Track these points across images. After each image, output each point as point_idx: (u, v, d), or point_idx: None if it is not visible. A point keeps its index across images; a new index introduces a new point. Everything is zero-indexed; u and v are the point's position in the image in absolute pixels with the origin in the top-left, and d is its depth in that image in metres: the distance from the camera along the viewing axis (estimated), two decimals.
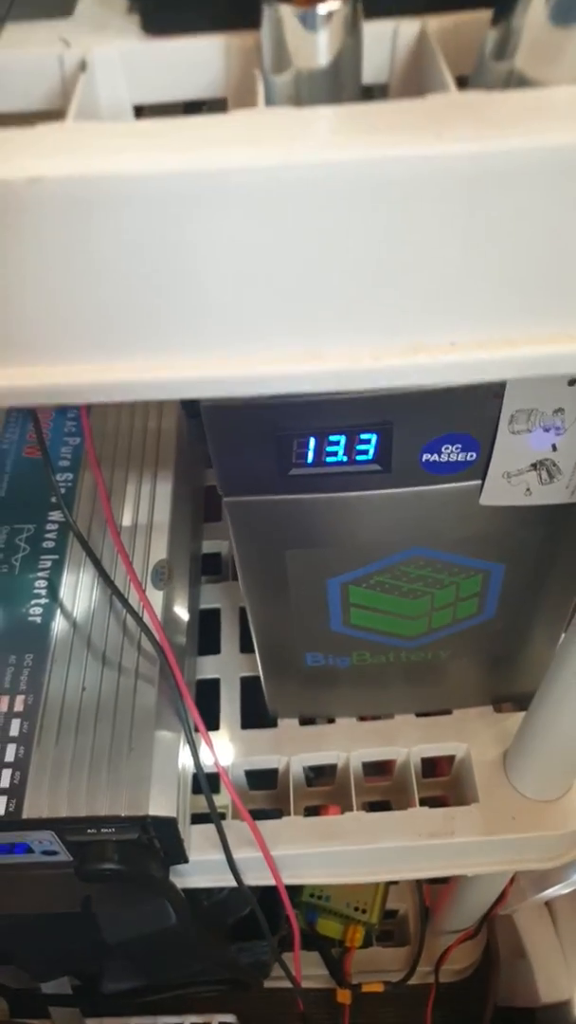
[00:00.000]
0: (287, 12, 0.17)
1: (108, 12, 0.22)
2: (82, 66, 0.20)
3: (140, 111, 0.22)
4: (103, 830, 0.43)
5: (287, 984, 0.66)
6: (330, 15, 0.17)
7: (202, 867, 0.49)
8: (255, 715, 0.54)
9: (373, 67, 0.21)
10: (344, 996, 0.82)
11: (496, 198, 0.15)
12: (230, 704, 0.55)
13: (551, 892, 0.63)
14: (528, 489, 0.34)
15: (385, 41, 0.20)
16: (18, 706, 0.45)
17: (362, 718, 0.54)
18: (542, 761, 0.47)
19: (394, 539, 0.37)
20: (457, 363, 0.17)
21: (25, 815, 0.42)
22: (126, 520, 0.53)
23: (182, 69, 0.21)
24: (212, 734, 0.53)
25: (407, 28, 0.20)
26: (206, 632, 0.58)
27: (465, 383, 0.18)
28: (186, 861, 0.47)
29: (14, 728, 0.44)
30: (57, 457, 0.56)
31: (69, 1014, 0.72)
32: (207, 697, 0.55)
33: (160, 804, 0.42)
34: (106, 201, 0.16)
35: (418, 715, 0.53)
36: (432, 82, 0.19)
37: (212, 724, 0.54)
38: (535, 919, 0.75)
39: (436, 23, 0.20)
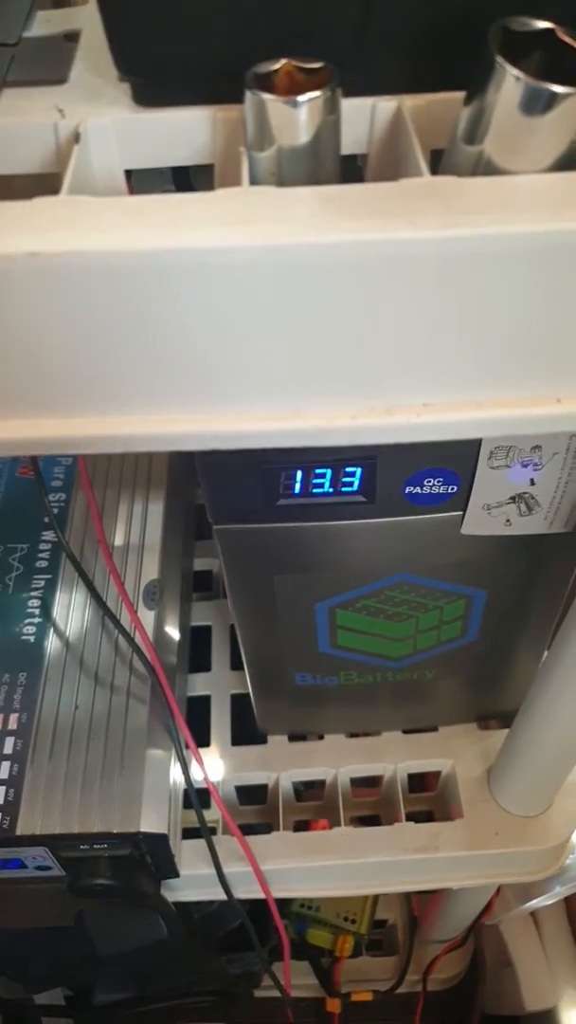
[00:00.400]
0: (269, 99, 0.18)
1: (100, 81, 0.23)
2: (76, 137, 0.22)
3: (131, 173, 0.24)
4: (96, 846, 0.44)
5: (277, 994, 0.67)
6: (312, 96, 0.18)
7: (193, 881, 0.50)
8: (245, 732, 0.55)
9: (353, 139, 0.22)
10: (333, 1005, 0.83)
11: (463, 279, 0.16)
12: (220, 721, 0.56)
13: (535, 903, 0.65)
14: (508, 520, 0.36)
15: (364, 116, 0.22)
16: (12, 724, 0.46)
17: (350, 735, 0.55)
18: (524, 778, 0.48)
19: (379, 565, 0.39)
20: (429, 424, 0.18)
21: (19, 832, 0.42)
22: (118, 540, 0.54)
23: (171, 138, 0.22)
24: (203, 751, 0.54)
25: (384, 105, 0.22)
26: (197, 649, 0.59)
27: (435, 440, 0.19)
28: (177, 875, 0.48)
29: (8, 746, 0.45)
30: (50, 477, 0.57)
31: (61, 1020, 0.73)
32: (198, 714, 0.56)
33: (151, 821, 0.43)
34: (98, 275, 0.18)
35: (405, 732, 0.55)
36: (407, 159, 0.20)
37: (203, 740, 0.55)
38: (520, 929, 0.76)
39: (411, 102, 0.22)
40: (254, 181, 0.20)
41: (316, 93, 0.18)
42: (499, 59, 0.18)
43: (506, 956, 0.77)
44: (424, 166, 0.19)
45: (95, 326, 0.18)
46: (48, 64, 0.24)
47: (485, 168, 0.19)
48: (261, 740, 0.55)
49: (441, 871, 0.51)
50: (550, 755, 0.46)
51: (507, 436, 0.19)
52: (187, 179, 0.36)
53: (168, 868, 0.47)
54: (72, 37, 0.25)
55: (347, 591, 0.40)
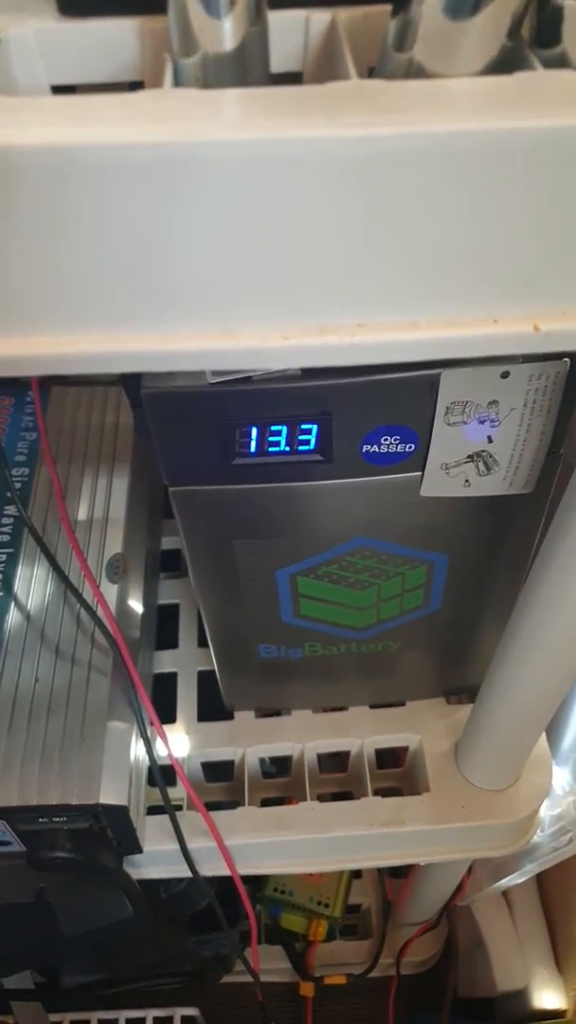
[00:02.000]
0: (190, 2, 0.18)
1: None
2: None
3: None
4: (55, 819, 0.43)
5: (249, 977, 0.66)
6: (233, 3, 0.18)
7: (157, 857, 0.50)
8: (212, 709, 0.55)
9: (287, 55, 0.21)
10: (307, 989, 0.83)
11: (388, 184, 0.16)
12: (187, 697, 0.55)
13: (506, 882, 0.65)
14: (467, 480, 0.35)
15: (298, 30, 0.21)
16: None
17: (317, 710, 0.54)
18: (489, 751, 0.48)
19: (339, 529, 0.38)
20: (363, 345, 0.18)
21: None
22: (82, 514, 0.53)
23: (97, 51, 0.21)
24: (169, 727, 0.53)
25: (318, 18, 0.21)
26: (165, 627, 0.59)
27: (371, 363, 0.19)
28: (140, 851, 0.48)
29: None
30: (13, 452, 0.57)
31: (31, 1008, 0.72)
32: (165, 691, 0.55)
33: (111, 792, 0.43)
34: (12, 172, 0.17)
35: (372, 707, 0.54)
36: (339, 72, 0.20)
37: (169, 717, 0.54)
38: (493, 910, 0.76)
39: (346, 15, 0.21)
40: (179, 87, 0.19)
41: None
42: None
43: (479, 937, 0.77)
44: (353, 71, 0.18)
45: (4, 232, 0.18)
46: None
47: (416, 74, 0.18)
48: (228, 716, 0.55)
49: (408, 846, 0.51)
50: (514, 727, 0.45)
51: (443, 358, 0.18)
52: None
53: (131, 843, 0.47)
54: None
55: (307, 557, 0.39)
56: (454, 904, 0.73)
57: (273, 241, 0.17)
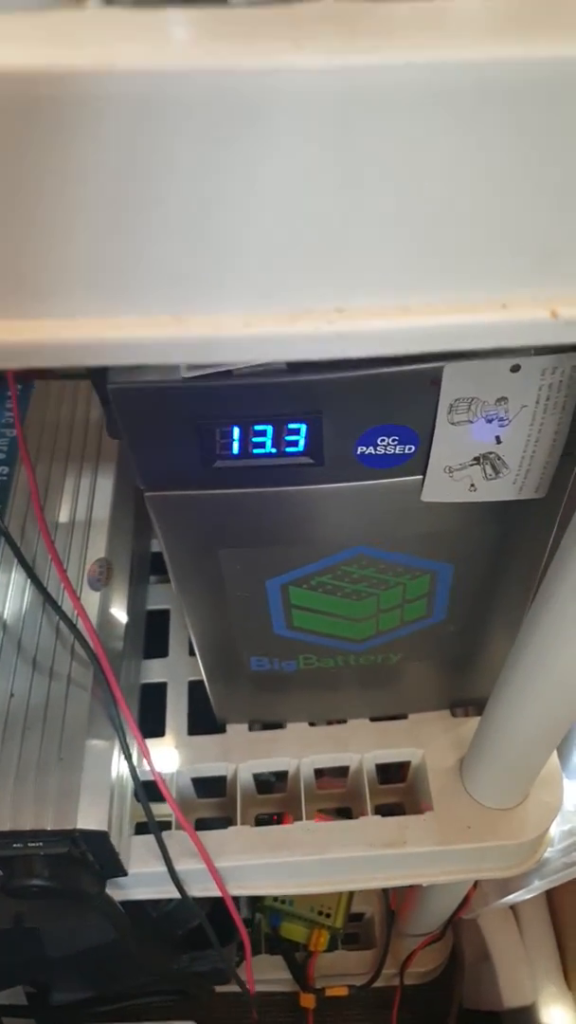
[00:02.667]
0: None
1: None
2: None
3: None
4: (30, 844, 0.40)
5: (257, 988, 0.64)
6: None
7: (144, 879, 0.47)
8: (204, 720, 0.52)
9: None
10: (307, 1000, 0.80)
11: (372, 126, 0.13)
12: (176, 709, 0.52)
13: (514, 898, 0.62)
14: (472, 485, 0.32)
15: None
16: None
17: (314, 723, 0.51)
18: (497, 768, 0.45)
19: (333, 537, 0.35)
20: (343, 334, 0.15)
21: None
22: (63, 516, 0.50)
23: None
24: (157, 740, 0.50)
25: None
26: (155, 634, 0.56)
27: (352, 356, 0.15)
28: (124, 874, 0.45)
29: None
30: None
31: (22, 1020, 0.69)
32: (154, 702, 0.53)
33: (90, 816, 0.40)
34: None
35: (372, 719, 0.51)
36: None
37: (158, 730, 0.51)
38: (500, 923, 0.73)
39: None
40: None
41: None
42: None
43: (485, 950, 0.74)
44: None
45: None
46: None
47: None
48: (220, 730, 0.52)
49: (410, 866, 0.48)
50: (523, 744, 0.42)
51: (438, 351, 0.15)
52: None
53: (113, 866, 0.44)
54: None
55: (299, 566, 0.36)
56: (459, 917, 0.71)
57: (225, 200, 0.13)
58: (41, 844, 0.40)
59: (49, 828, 0.39)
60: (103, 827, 0.40)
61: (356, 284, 0.15)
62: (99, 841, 0.40)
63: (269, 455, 0.30)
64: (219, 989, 0.70)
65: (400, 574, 0.37)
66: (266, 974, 0.82)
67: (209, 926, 0.52)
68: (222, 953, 0.57)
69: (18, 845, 0.40)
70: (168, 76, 0.12)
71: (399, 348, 0.15)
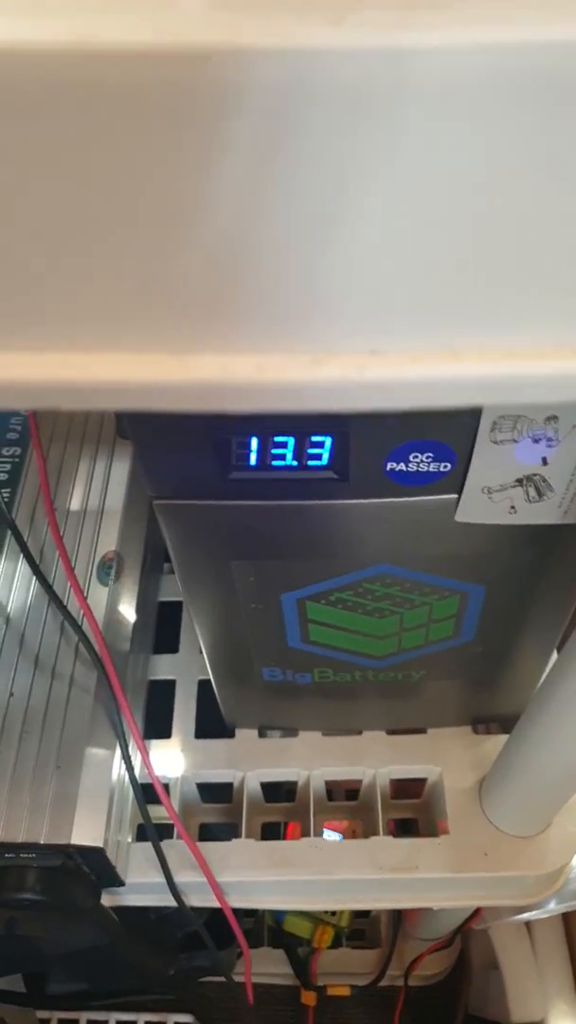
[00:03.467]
0: None
1: None
2: None
3: None
4: (23, 855, 0.38)
5: (255, 979, 0.62)
6: None
7: (141, 888, 0.45)
8: (213, 721, 0.50)
9: None
10: (309, 998, 0.79)
11: (421, 129, 0.10)
12: (185, 710, 0.50)
13: (527, 916, 0.59)
14: (513, 507, 0.29)
15: None
16: None
17: (327, 733, 0.49)
18: (521, 795, 0.42)
19: (356, 555, 0.32)
20: (376, 383, 0.12)
21: None
22: (75, 504, 0.47)
23: None
24: (163, 742, 0.48)
25: None
26: (166, 627, 0.53)
27: (388, 409, 0.13)
28: (121, 884, 0.43)
29: None
30: (5, 429, 0.51)
31: (14, 1010, 0.69)
32: (161, 700, 0.50)
33: (85, 831, 0.38)
34: None
35: (389, 732, 0.49)
36: None
37: (164, 730, 0.49)
38: (512, 935, 0.71)
39: None
40: None
41: None
42: None
43: (494, 960, 0.72)
44: None
45: None
46: None
47: None
48: (229, 733, 0.49)
49: (420, 891, 0.46)
50: (554, 772, 0.39)
51: (504, 404, 0.12)
52: None
53: (110, 878, 0.42)
54: None
55: (318, 582, 0.34)
56: (469, 927, 0.69)
57: (235, 213, 0.11)
58: (35, 855, 0.38)
59: (43, 842, 0.37)
60: (99, 843, 0.38)
61: (396, 320, 0.12)
62: (95, 856, 0.38)
63: (289, 468, 0.27)
64: (217, 980, 0.69)
65: (426, 594, 0.34)
66: (267, 967, 0.81)
67: (207, 934, 0.50)
68: (220, 958, 0.55)
69: (10, 855, 0.38)
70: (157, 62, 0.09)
71: (444, 400, 0.12)
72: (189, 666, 0.51)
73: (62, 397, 0.13)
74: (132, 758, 0.41)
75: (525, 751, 0.39)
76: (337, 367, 0.12)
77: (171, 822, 0.45)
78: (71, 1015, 0.74)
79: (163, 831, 0.44)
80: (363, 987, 0.78)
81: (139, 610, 0.46)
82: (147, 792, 0.43)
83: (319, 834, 0.47)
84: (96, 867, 0.40)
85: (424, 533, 0.31)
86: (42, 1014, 0.72)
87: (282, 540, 0.31)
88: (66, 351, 0.12)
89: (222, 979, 0.65)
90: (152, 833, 0.42)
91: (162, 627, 0.53)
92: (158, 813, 0.43)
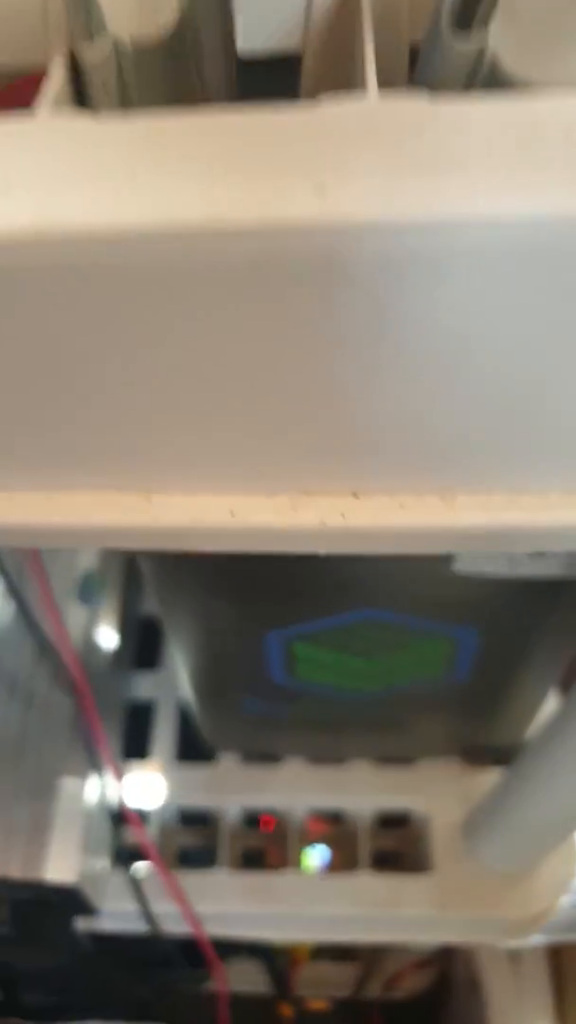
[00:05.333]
0: None
1: None
2: None
3: None
4: None
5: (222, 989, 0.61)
6: None
7: (117, 916, 0.44)
8: (194, 742, 0.48)
9: (277, 24, 0.12)
10: (287, 1010, 0.78)
11: (416, 306, 0.08)
12: (165, 731, 0.48)
13: (510, 944, 0.58)
14: (514, 559, 0.27)
15: None
16: None
17: (313, 760, 0.47)
18: (514, 835, 0.41)
19: (343, 599, 0.30)
20: (357, 531, 0.10)
21: None
22: None
23: None
24: (141, 764, 0.47)
25: None
26: (146, 641, 0.52)
27: (369, 553, 0.11)
28: (95, 912, 0.42)
29: None
30: None
31: None
32: (141, 716, 0.49)
33: (60, 867, 0.37)
34: None
35: (375, 761, 0.47)
36: (355, 63, 0.11)
37: (143, 750, 0.48)
38: (495, 954, 0.70)
39: None
40: (85, 92, 0.11)
41: None
42: None
43: (476, 975, 0.71)
44: (372, 76, 0.10)
45: None
46: None
47: (488, 77, 0.10)
48: (210, 754, 0.48)
49: (403, 929, 0.45)
50: (551, 817, 0.38)
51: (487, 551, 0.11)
52: None
53: (84, 907, 0.40)
54: None
55: (302, 623, 0.32)
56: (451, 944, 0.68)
57: (213, 362, 0.09)
58: (5, 889, 0.37)
59: (15, 876, 0.36)
60: (72, 879, 0.36)
61: (381, 460, 0.10)
62: (69, 894, 0.37)
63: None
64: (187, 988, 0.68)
65: (418, 636, 0.33)
66: (245, 977, 0.80)
67: (181, 957, 0.49)
68: (195, 975, 0.55)
69: None
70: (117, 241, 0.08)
71: (429, 548, 0.11)
72: (170, 684, 0.50)
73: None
74: (107, 788, 0.39)
75: (522, 793, 0.38)
76: (312, 510, 0.10)
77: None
78: None
79: (142, 853, 0.43)
80: (342, 1000, 0.77)
81: (120, 630, 0.44)
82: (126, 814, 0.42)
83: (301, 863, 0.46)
84: (69, 899, 0.39)
85: (415, 581, 0.29)
86: (12, 1020, 0.71)
87: (263, 582, 0.30)
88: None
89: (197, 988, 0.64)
90: (129, 871, 0.40)
91: (143, 640, 0.51)
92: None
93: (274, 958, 0.79)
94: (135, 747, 0.47)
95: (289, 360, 0.09)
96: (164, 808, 0.46)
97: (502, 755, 0.46)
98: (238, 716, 0.42)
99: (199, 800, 0.46)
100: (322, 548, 0.11)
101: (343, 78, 0.12)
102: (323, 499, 0.11)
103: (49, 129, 0.09)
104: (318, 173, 0.08)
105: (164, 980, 0.58)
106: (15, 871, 0.36)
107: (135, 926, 0.45)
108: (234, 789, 0.46)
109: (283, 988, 0.78)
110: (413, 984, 0.80)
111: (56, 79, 0.11)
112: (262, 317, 0.09)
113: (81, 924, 0.43)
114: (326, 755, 0.47)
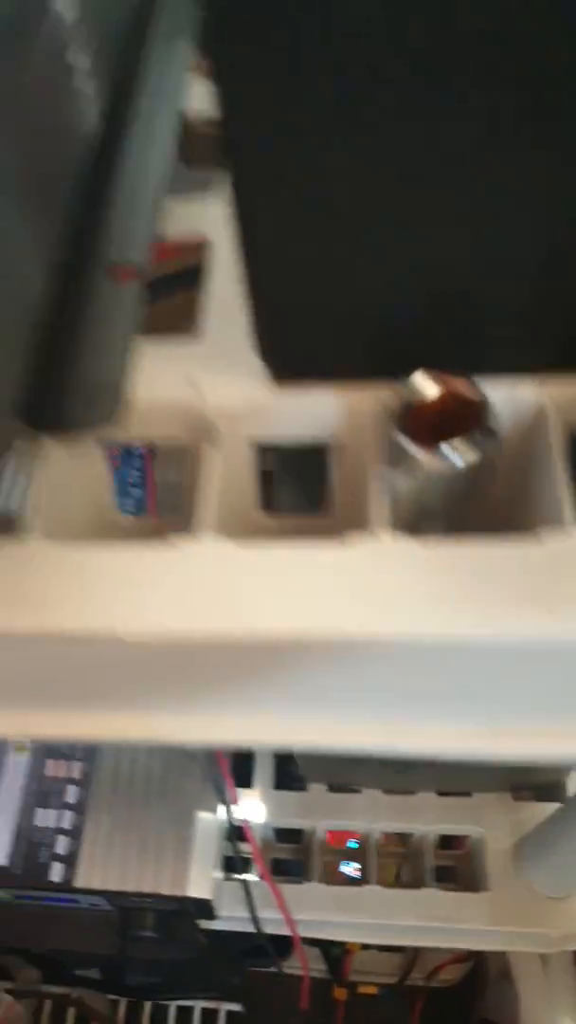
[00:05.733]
0: (414, 449, 0.18)
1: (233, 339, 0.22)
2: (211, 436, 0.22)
3: None
4: (146, 900, 0.47)
5: (297, 972, 0.71)
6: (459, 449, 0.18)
7: (230, 920, 0.54)
8: (287, 775, 0.58)
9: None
10: (341, 993, 0.88)
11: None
12: (263, 765, 0.58)
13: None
14: None
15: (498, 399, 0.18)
16: (75, 773, 0.49)
17: (386, 791, 0.57)
18: (558, 865, 0.50)
19: None
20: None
21: (78, 884, 0.46)
22: None
23: (302, 418, 0.22)
24: (245, 792, 0.57)
25: (523, 395, 0.18)
26: None
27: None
28: (215, 918, 0.52)
29: (71, 795, 0.48)
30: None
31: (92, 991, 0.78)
32: (243, 755, 0.59)
33: (199, 884, 0.46)
34: None
35: (439, 793, 0.57)
36: (541, 476, 0.19)
37: (246, 781, 0.57)
38: (527, 953, 0.79)
39: (558, 390, 0.18)
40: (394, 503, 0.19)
41: (473, 455, 0.17)
42: None
43: (509, 971, 0.81)
44: (568, 510, 0.18)
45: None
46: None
47: None
48: (302, 786, 0.58)
49: (460, 937, 0.54)
50: None
51: None
52: None
53: (209, 914, 0.50)
54: None
55: None
56: None
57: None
58: (154, 901, 0.47)
59: (165, 892, 0.46)
60: (209, 895, 0.46)
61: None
62: (204, 905, 0.47)
63: None
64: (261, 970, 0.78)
65: None
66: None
67: (272, 950, 0.59)
68: (279, 966, 0.65)
69: (135, 898, 0.47)
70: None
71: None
72: None
73: None
74: (231, 818, 0.49)
75: (565, 831, 0.47)
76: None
77: (249, 856, 0.54)
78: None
79: (244, 864, 0.53)
80: (390, 986, 0.88)
81: None
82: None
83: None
84: (201, 912, 0.48)
85: None
86: (113, 997, 0.82)
87: None
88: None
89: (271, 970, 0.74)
90: (249, 898, 0.50)
91: None
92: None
93: (330, 948, 0.89)
94: (239, 778, 0.57)
95: None
96: (265, 830, 0.56)
97: (544, 792, 0.56)
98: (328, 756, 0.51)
99: (294, 822, 0.56)
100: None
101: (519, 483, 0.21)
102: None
103: (398, 551, 0.19)
104: None
105: (251, 965, 0.68)
106: (165, 888, 0.46)
107: (243, 926, 0.55)
108: (322, 813, 0.56)
109: (338, 974, 0.88)
110: (452, 975, 0.89)
111: (375, 487, 0.20)
112: None
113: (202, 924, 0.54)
114: (398, 787, 0.56)
